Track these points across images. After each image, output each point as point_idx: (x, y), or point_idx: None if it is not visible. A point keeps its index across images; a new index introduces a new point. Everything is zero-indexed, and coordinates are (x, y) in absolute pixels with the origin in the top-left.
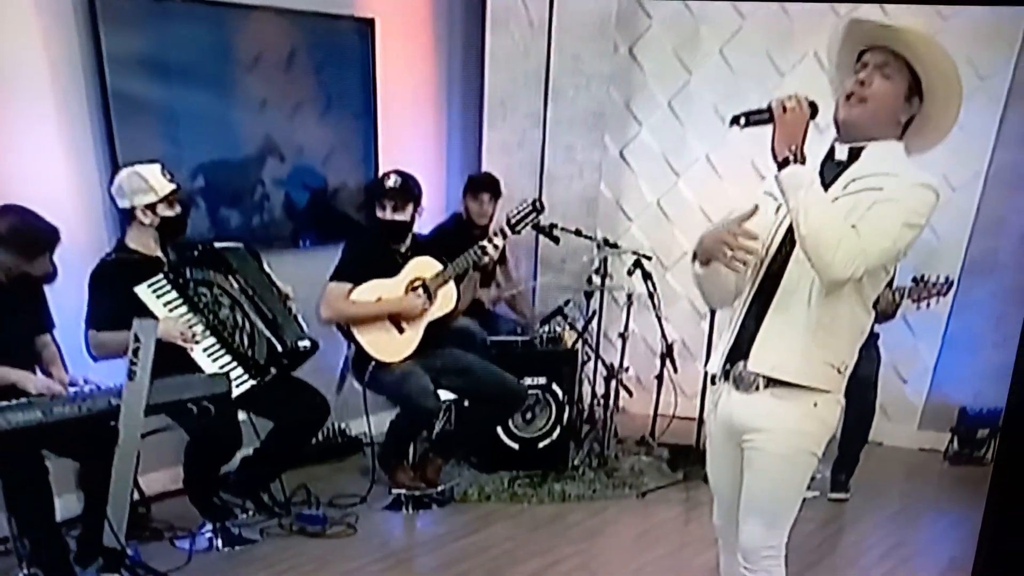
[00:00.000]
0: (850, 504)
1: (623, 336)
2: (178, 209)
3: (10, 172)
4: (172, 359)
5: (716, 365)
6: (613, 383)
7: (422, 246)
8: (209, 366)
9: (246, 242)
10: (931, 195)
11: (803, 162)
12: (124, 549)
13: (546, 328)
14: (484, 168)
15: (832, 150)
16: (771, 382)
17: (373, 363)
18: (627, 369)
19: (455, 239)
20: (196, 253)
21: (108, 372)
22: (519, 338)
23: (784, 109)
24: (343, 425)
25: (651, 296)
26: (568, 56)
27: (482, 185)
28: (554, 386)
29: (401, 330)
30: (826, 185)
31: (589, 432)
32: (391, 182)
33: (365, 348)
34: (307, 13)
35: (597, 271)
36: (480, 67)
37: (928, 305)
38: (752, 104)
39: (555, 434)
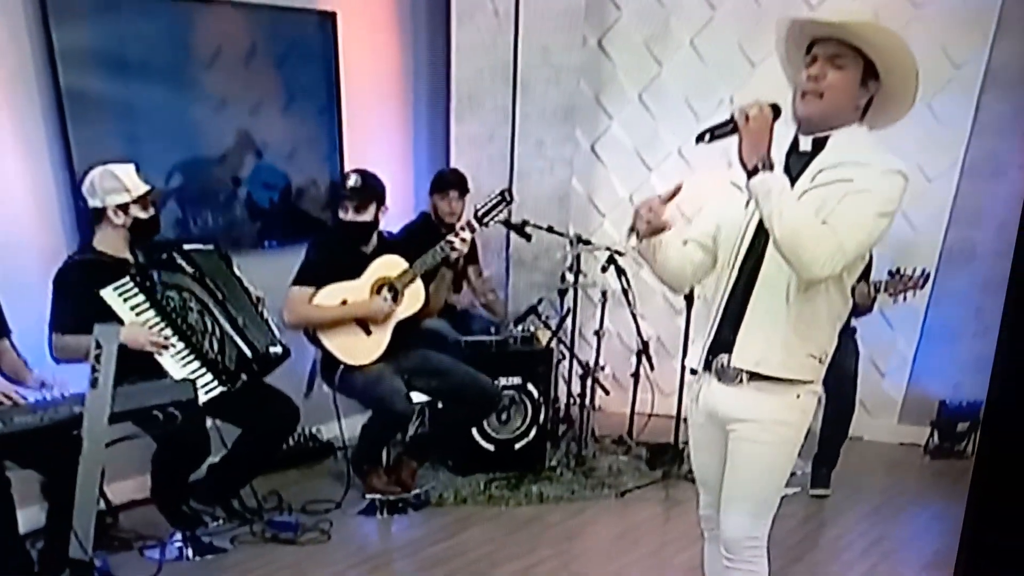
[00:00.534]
0: (831, 499)
1: (598, 334)
2: (152, 211)
3: None
4: (139, 365)
5: (697, 358)
6: (589, 382)
7: (389, 246)
8: (178, 372)
9: (210, 243)
10: (901, 180)
11: (771, 168)
12: (91, 560)
13: (520, 327)
14: (453, 164)
15: (796, 141)
16: (754, 375)
17: (342, 366)
18: (603, 367)
19: (424, 239)
20: (165, 255)
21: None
22: (493, 338)
23: (747, 119)
24: (314, 429)
25: (625, 293)
26: (536, 48)
27: (448, 182)
28: (529, 386)
29: (368, 332)
30: (793, 177)
31: (566, 432)
32: (352, 182)
33: (332, 352)
34: (267, 6)
35: (570, 268)
36: (446, 60)
37: (905, 299)
38: (723, 95)
39: (531, 435)
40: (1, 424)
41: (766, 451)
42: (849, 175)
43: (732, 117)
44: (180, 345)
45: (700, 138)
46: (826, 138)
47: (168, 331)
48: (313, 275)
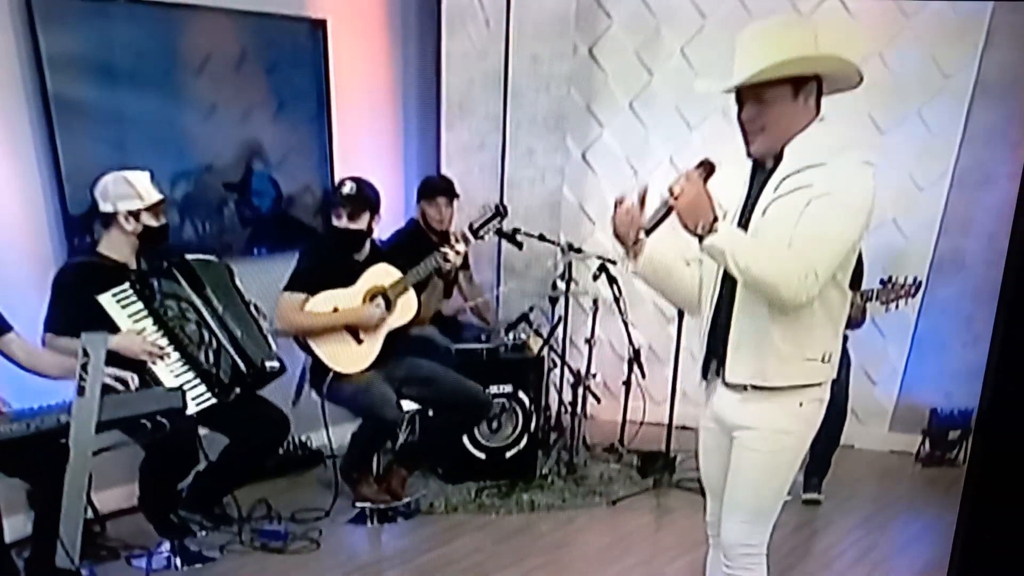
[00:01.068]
0: (823, 508)
1: (589, 342)
2: (163, 220)
3: None
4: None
5: (701, 366)
6: (580, 390)
7: (381, 254)
8: (171, 382)
9: (206, 252)
10: (866, 171)
11: (715, 226)
12: (78, 570)
13: (511, 335)
14: (443, 172)
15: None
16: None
17: (331, 374)
18: (594, 375)
19: (415, 246)
20: (166, 264)
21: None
22: (483, 345)
23: (674, 195)
24: (303, 437)
25: (617, 301)
26: (527, 57)
27: (437, 189)
28: (520, 394)
29: (359, 340)
30: (760, 190)
31: (557, 440)
32: (346, 189)
33: (322, 360)
34: (256, 14)
35: (562, 276)
36: (436, 69)
37: (897, 306)
38: (715, 102)
39: (522, 443)
40: None
41: (766, 460)
42: (809, 180)
43: (665, 201)
44: (175, 355)
45: (648, 232)
46: (783, 149)
47: (164, 340)
48: (305, 282)
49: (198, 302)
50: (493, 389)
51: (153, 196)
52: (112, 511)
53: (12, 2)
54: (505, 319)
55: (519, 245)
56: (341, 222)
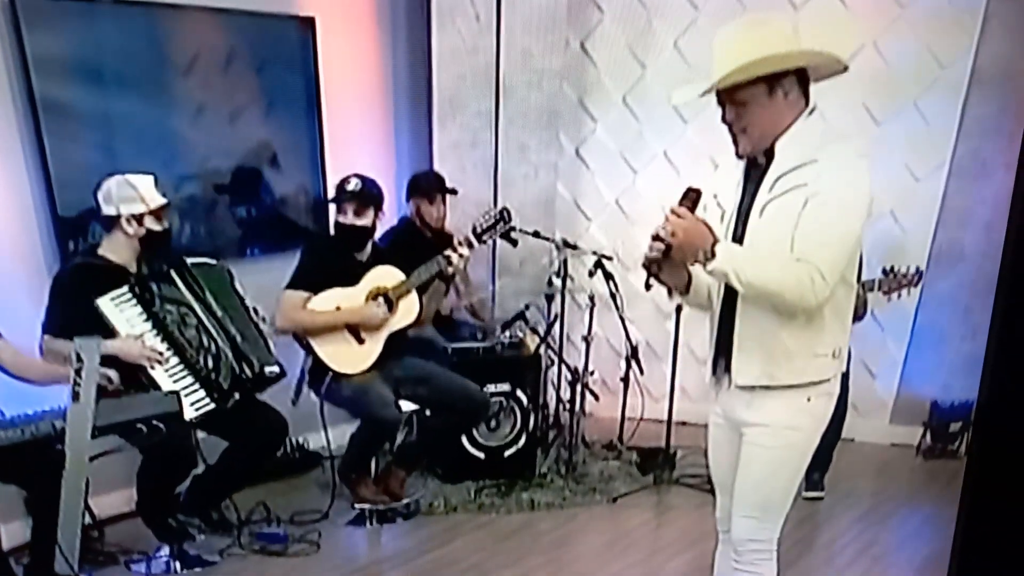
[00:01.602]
0: (824, 502)
1: (587, 339)
2: (166, 224)
3: None
4: (129, 377)
5: (711, 364)
6: (578, 387)
7: (382, 254)
8: (169, 386)
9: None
10: (860, 164)
11: (714, 250)
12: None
13: (508, 333)
14: (436, 169)
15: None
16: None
17: (330, 374)
18: (592, 372)
19: (412, 245)
20: (166, 267)
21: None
22: (480, 344)
23: (664, 241)
24: (301, 439)
25: (613, 297)
26: (518, 52)
27: (432, 186)
28: (518, 392)
29: (361, 341)
30: (756, 189)
31: (556, 438)
32: (352, 186)
33: (323, 359)
34: (244, 12)
35: (557, 273)
36: (427, 65)
37: (899, 296)
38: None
39: (521, 441)
40: None
41: (775, 456)
42: (804, 178)
43: (664, 244)
44: (174, 360)
45: (647, 286)
46: (773, 146)
47: (163, 345)
48: (307, 279)
49: (197, 307)
50: (491, 388)
51: (156, 200)
52: (110, 516)
53: None
54: (500, 317)
55: (514, 242)
56: (347, 218)
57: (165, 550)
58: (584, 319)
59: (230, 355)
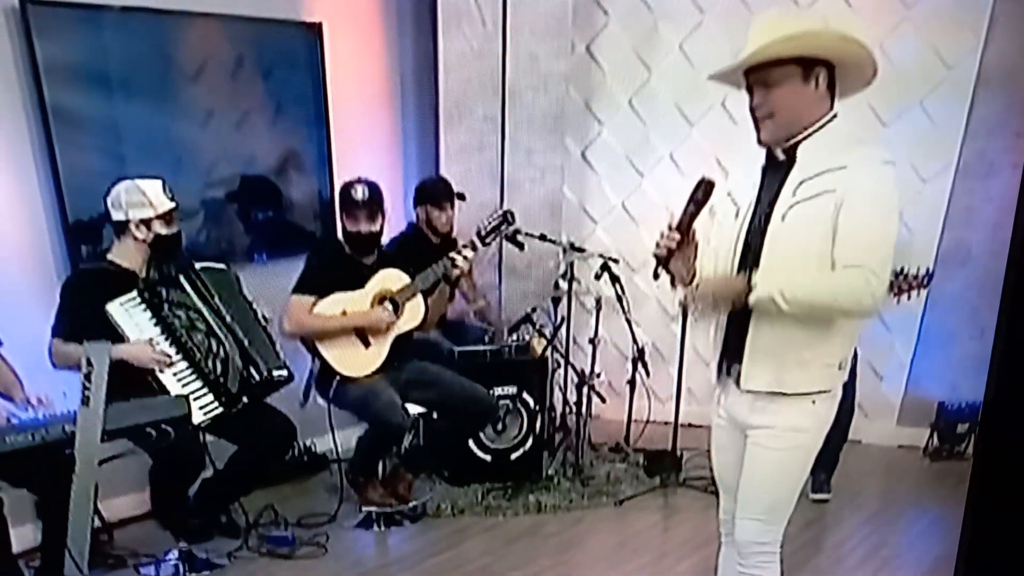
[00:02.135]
0: (831, 504)
1: (593, 342)
2: (175, 228)
3: None
4: (138, 381)
5: (716, 366)
6: (585, 390)
7: (388, 258)
8: (178, 391)
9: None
10: (889, 170)
11: (750, 284)
12: None
13: (514, 336)
14: (443, 174)
15: (770, 152)
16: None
17: (338, 378)
18: (599, 375)
19: (419, 250)
20: (175, 272)
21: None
22: (487, 347)
23: (660, 260)
24: (309, 442)
25: (620, 300)
26: (524, 56)
27: (442, 193)
28: (525, 395)
29: (367, 344)
30: (775, 193)
31: (562, 441)
32: (360, 194)
33: (330, 363)
34: (252, 19)
35: (564, 276)
36: (433, 70)
37: (908, 297)
38: (715, 97)
39: (528, 444)
40: None
41: (780, 457)
42: (831, 184)
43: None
44: (183, 364)
45: (655, 275)
46: (796, 146)
47: (172, 349)
48: (314, 284)
49: (206, 311)
50: (497, 391)
51: (164, 204)
52: (120, 519)
53: (8, 12)
54: (507, 320)
55: (520, 246)
56: (359, 225)
57: (174, 553)
58: (590, 322)
59: (238, 359)
